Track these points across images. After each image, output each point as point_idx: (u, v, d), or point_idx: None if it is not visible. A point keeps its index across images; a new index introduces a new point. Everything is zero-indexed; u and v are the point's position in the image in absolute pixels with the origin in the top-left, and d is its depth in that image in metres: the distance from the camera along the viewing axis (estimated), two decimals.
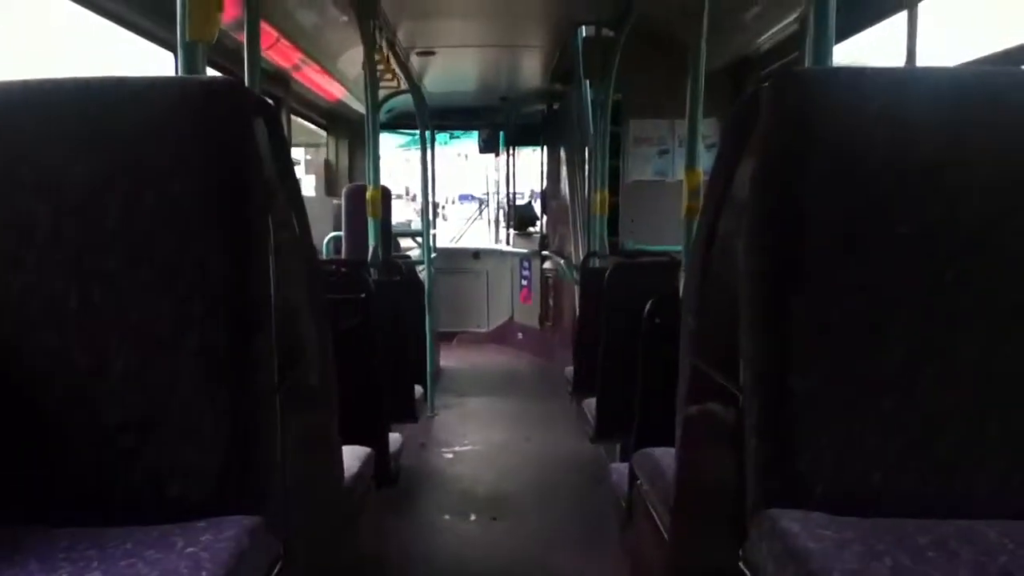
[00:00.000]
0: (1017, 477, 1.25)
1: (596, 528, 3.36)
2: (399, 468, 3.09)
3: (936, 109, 1.27)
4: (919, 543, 1.10)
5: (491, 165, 9.62)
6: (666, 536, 1.71)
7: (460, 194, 15.79)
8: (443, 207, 13.37)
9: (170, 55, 3.33)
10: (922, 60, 2.64)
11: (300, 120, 6.32)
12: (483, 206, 10.83)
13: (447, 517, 3.60)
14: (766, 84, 1.32)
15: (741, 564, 1.23)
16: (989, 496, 1.25)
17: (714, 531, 1.46)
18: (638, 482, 2.07)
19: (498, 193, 9.22)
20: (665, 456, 1.89)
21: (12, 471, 1.26)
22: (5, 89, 1.30)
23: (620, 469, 2.68)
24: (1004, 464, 1.25)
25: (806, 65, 1.67)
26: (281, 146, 1.45)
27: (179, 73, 1.57)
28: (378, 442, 2.45)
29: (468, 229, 10.39)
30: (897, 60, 2.68)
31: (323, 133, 7.22)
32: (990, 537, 1.12)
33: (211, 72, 2.07)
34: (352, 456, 1.97)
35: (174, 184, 1.27)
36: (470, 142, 9.75)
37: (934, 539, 1.11)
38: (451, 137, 10.12)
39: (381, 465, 2.34)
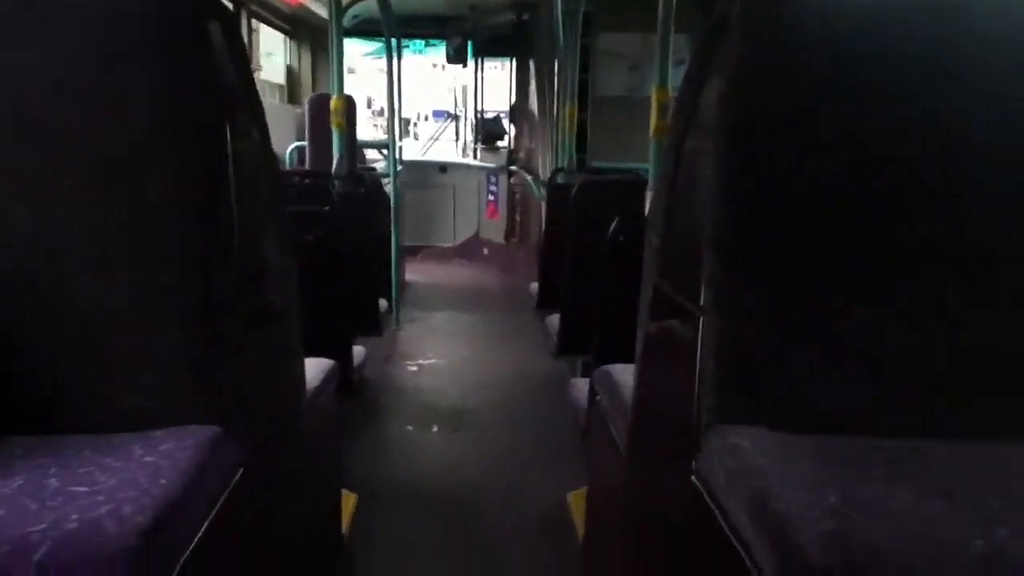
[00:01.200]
0: (959, 401, 1.29)
1: (556, 441, 3.43)
2: (363, 380, 3.11)
3: (909, 35, 1.25)
4: (867, 461, 1.13)
5: (462, 76, 9.40)
6: (622, 451, 1.75)
7: (435, 110, 14.81)
8: (415, 124, 12.69)
9: None
10: None
11: None
12: (454, 121, 10.50)
13: (409, 428, 3.65)
14: (737, 3, 1.30)
15: (693, 478, 1.27)
16: (934, 420, 1.29)
17: (669, 446, 1.49)
18: (597, 398, 2.10)
19: (466, 106, 9.07)
20: (624, 373, 1.92)
21: None
22: None
23: (580, 384, 2.72)
24: (951, 387, 1.29)
25: None
26: (240, 52, 1.39)
27: None
28: (342, 354, 2.46)
29: (433, 145, 10.07)
30: None
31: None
32: (933, 457, 1.16)
33: None
34: (315, 368, 1.97)
35: (127, 93, 1.22)
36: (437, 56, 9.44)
37: (880, 458, 1.15)
38: (426, 45, 9.53)
39: (344, 377, 2.36)
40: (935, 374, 1.28)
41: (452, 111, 11.09)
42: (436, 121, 14.29)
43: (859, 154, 1.25)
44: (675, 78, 2.52)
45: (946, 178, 1.27)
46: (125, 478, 1.04)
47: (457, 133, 10.11)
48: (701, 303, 1.29)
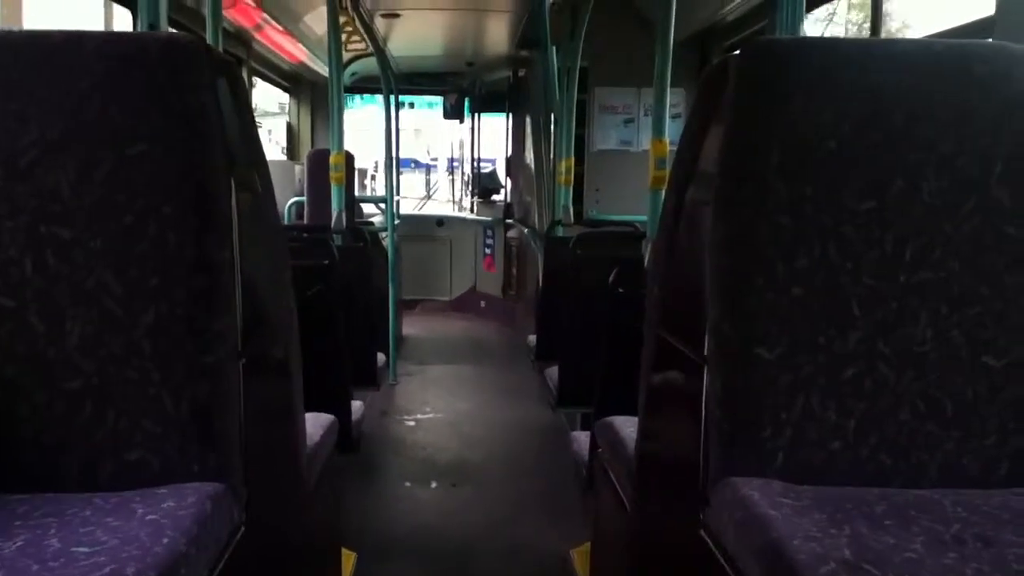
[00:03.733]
0: (969, 449, 1.28)
1: (557, 496, 3.39)
2: (361, 435, 3.08)
3: (904, 82, 1.27)
4: (876, 511, 1.12)
5: (444, 132, 9.47)
6: (627, 504, 1.73)
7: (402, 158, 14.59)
8: (372, 175, 12.20)
9: (127, 12, 3.23)
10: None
11: None
12: (427, 172, 10.58)
13: (408, 484, 3.61)
14: (735, 53, 1.32)
15: (702, 532, 1.25)
16: (942, 468, 1.28)
17: (675, 499, 1.47)
18: (599, 451, 2.08)
19: (462, 161, 9.13)
20: (626, 425, 1.90)
21: None
22: None
23: (581, 437, 2.70)
24: (957, 436, 1.28)
25: (776, 35, 1.66)
26: (244, 107, 1.41)
27: (139, 29, 1.52)
28: (340, 409, 2.44)
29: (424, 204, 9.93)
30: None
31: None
32: (944, 506, 1.14)
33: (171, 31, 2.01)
34: (314, 423, 1.96)
35: (131, 146, 1.23)
36: (424, 118, 9.52)
37: (891, 508, 1.13)
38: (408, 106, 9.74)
39: (343, 432, 2.33)
40: (945, 421, 1.27)
41: (426, 162, 11.07)
42: (403, 171, 14.41)
43: (860, 199, 1.26)
44: (671, 131, 2.56)
45: (950, 222, 1.27)
46: (127, 536, 1.03)
47: (428, 187, 10.25)
48: (705, 353, 1.29)
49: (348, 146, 3.96)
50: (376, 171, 12.15)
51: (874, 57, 1.28)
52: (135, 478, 1.22)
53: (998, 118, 1.28)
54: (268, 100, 7.25)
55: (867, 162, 1.26)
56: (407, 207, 8.50)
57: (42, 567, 0.96)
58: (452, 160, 10.39)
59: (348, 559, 2.69)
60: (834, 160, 1.26)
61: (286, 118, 7.35)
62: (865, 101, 1.26)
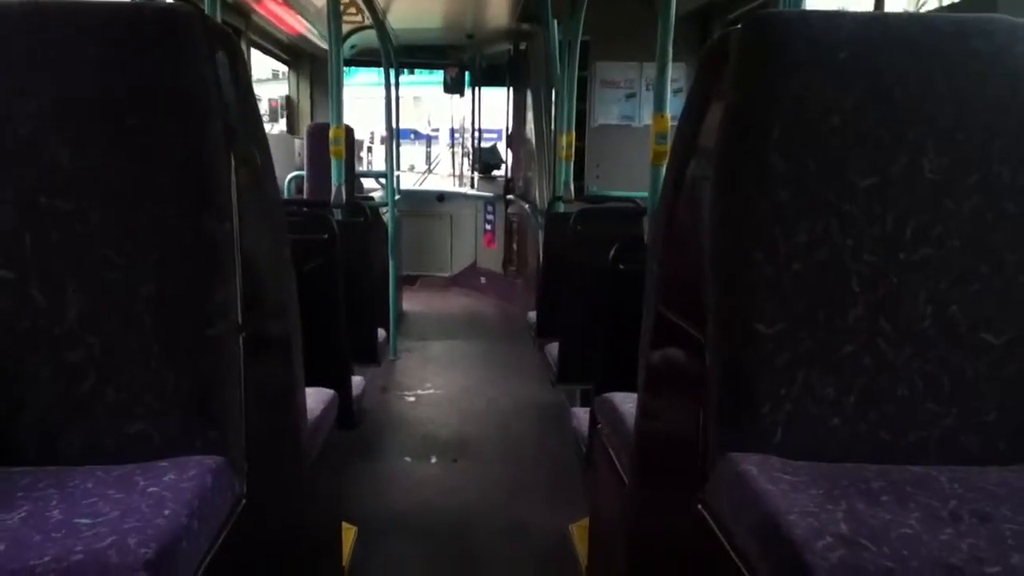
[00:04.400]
0: (968, 426, 1.28)
1: (557, 472, 3.41)
2: (362, 411, 3.09)
3: (906, 56, 1.26)
4: (874, 487, 1.12)
5: (446, 100, 9.25)
6: (626, 480, 1.74)
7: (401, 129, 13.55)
8: (368, 147, 11.49)
9: None
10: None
11: None
12: (431, 145, 10.28)
13: (408, 460, 3.63)
14: (736, 27, 1.30)
15: (700, 507, 1.25)
16: (941, 444, 1.28)
17: (673, 475, 1.48)
18: (599, 426, 2.09)
19: (463, 135, 9.06)
20: (626, 401, 1.91)
21: None
22: None
23: (581, 414, 2.70)
24: (956, 413, 1.28)
25: (778, 8, 1.65)
26: (243, 80, 1.40)
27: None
28: (341, 385, 2.45)
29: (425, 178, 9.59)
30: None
31: None
32: (941, 482, 1.15)
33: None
34: (315, 398, 1.96)
35: (129, 118, 1.22)
36: (424, 85, 9.24)
37: (888, 484, 1.14)
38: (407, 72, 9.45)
39: (344, 408, 2.34)
40: (943, 398, 1.28)
41: (426, 131, 10.63)
42: (402, 142, 13.26)
43: (861, 175, 1.26)
44: (672, 106, 2.54)
45: (951, 199, 1.27)
46: (129, 509, 1.03)
47: (429, 161, 9.83)
48: (704, 328, 1.29)
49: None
50: (373, 143, 11.65)
51: (875, 32, 1.27)
52: (136, 451, 1.22)
53: (999, 94, 1.27)
54: (261, 67, 7.18)
55: (869, 138, 1.26)
56: (407, 182, 8.45)
57: (44, 537, 0.96)
58: (454, 131, 10.04)
59: (349, 533, 2.71)
60: (835, 135, 1.25)
61: (279, 84, 7.29)
62: (866, 76, 1.25)
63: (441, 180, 9.35)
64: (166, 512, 1.03)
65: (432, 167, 9.95)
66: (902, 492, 1.11)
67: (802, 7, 1.57)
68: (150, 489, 1.09)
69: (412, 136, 11.86)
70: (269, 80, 7.77)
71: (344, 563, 2.48)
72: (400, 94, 7.42)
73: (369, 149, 11.55)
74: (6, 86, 1.22)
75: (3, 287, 1.23)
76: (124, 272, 1.23)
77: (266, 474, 1.43)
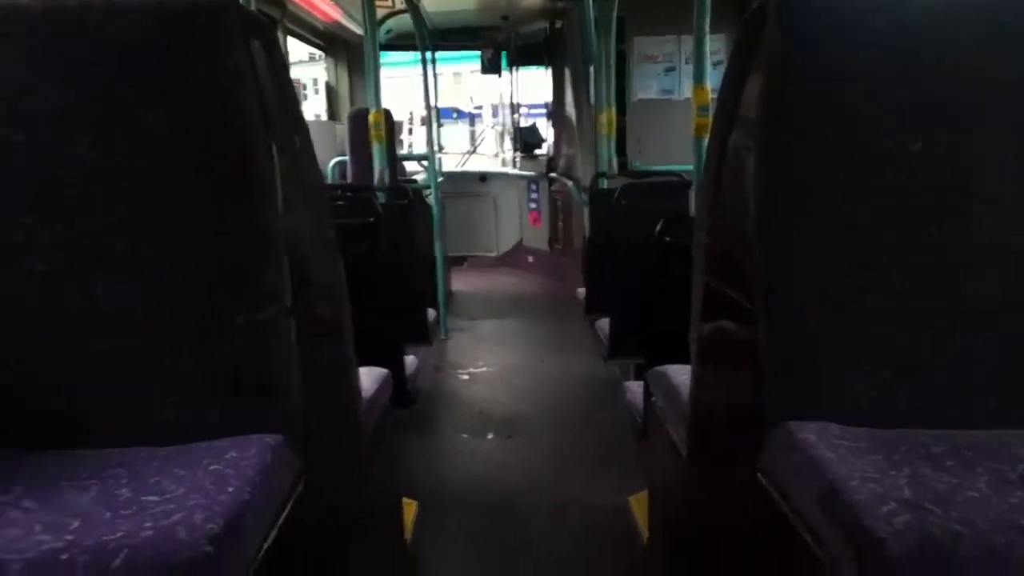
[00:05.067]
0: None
1: (612, 446, 3.42)
2: (416, 390, 3.13)
3: (943, 24, 1.24)
4: (935, 452, 1.11)
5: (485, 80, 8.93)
6: (683, 452, 1.74)
7: (443, 108, 11.42)
8: (409, 129, 10.98)
9: None
10: None
11: None
12: (471, 124, 9.64)
13: (464, 436, 3.67)
14: None
15: (759, 476, 1.25)
16: (1000, 409, 1.26)
17: (731, 445, 1.48)
18: (653, 399, 2.09)
19: (502, 115, 8.98)
20: (680, 373, 1.91)
21: (27, 397, 1.27)
22: None
23: (634, 387, 2.71)
24: (1014, 380, 1.26)
25: None
26: (280, 68, 1.41)
27: None
28: (394, 364, 2.48)
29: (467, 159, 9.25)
30: None
31: None
32: (1008, 446, 1.13)
33: None
34: (369, 378, 1.99)
35: (164, 108, 1.23)
36: (464, 62, 8.94)
37: (950, 448, 1.12)
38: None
39: (398, 386, 2.37)
40: (1004, 367, 1.26)
41: (468, 109, 10.02)
42: (440, 121, 11.52)
43: (901, 143, 1.24)
44: (712, 79, 2.52)
45: (990, 169, 1.24)
46: (194, 486, 1.06)
47: (473, 141, 9.47)
48: (754, 299, 1.28)
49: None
50: (413, 124, 11.16)
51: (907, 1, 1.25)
52: (198, 432, 1.25)
53: None
54: (298, 48, 7.18)
55: (908, 107, 1.23)
56: (450, 164, 8.45)
57: (115, 515, 1.00)
58: (497, 108, 9.59)
59: (410, 508, 2.75)
60: (876, 103, 1.23)
61: (317, 66, 7.30)
62: (904, 44, 1.23)
63: (487, 160, 9.25)
64: (230, 489, 1.06)
65: (476, 146, 9.69)
66: (965, 457, 1.10)
67: None
68: (212, 467, 1.12)
69: (455, 115, 11.06)
70: (307, 62, 7.75)
71: (406, 536, 2.53)
72: (439, 71, 7.40)
73: (410, 131, 11.09)
74: (39, 80, 1.23)
75: (34, 278, 1.25)
76: (174, 263, 1.25)
77: (324, 451, 1.46)
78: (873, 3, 1.23)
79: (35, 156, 1.24)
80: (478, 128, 9.83)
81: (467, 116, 10.76)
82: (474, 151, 9.39)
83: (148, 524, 0.97)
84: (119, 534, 0.95)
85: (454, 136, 10.42)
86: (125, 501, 1.04)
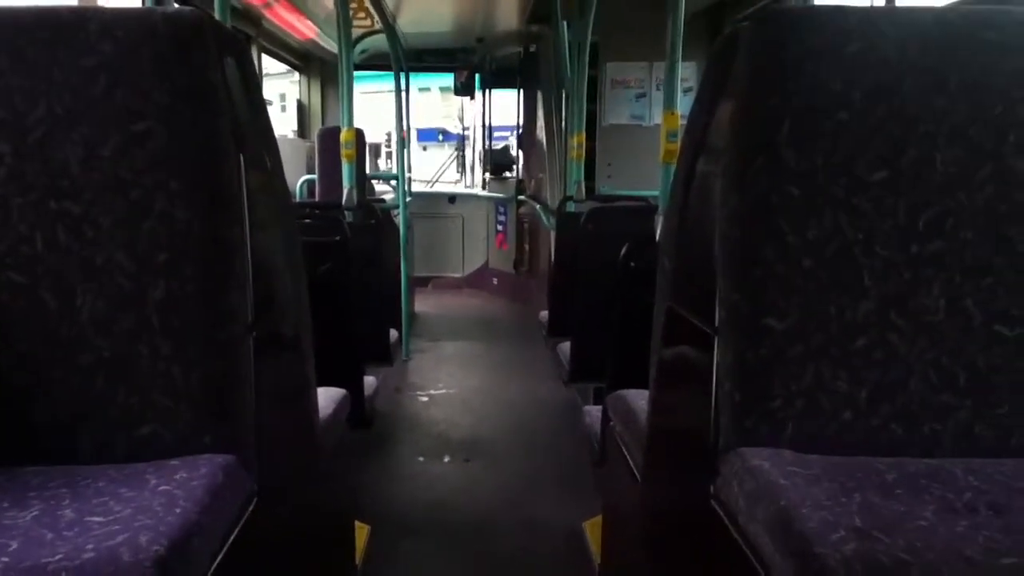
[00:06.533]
0: (982, 419, 1.27)
1: (570, 471, 3.41)
2: (374, 411, 3.10)
3: (916, 49, 1.26)
4: (887, 480, 1.12)
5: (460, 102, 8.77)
6: (638, 476, 1.74)
7: (419, 129, 10.40)
8: (388, 150, 10.37)
9: None
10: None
11: None
12: (459, 148, 9.16)
13: (421, 459, 3.63)
14: (745, 23, 1.30)
15: (712, 502, 1.25)
16: (955, 437, 1.27)
17: (686, 470, 1.48)
18: (611, 424, 2.09)
19: (472, 138, 8.96)
20: (638, 398, 1.91)
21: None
22: None
23: (593, 411, 2.70)
24: (970, 405, 1.27)
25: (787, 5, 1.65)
26: (252, 85, 1.41)
27: (146, 5, 1.52)
28: (353, 385, 2.45)
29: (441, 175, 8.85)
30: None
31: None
32: (956, 475, 1.14)
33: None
34: (327, 398, 1.97)
35: (139, 122, 1.23)
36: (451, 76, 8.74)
37: (901, 476, 1.13)
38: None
39: (356, 407, 2.35)
40: (957, 391, 1.27)
41: (455, 130, 9.23)
42: (421, 144, 11.02)
43: (872, 169, 1.25)
44: (683, 105, 2.54)
45: (964, 192, 1.26)
46: (140, 507, 1.04)
47: (463, 166, 9.09)
48: (715, 324, 1.29)
49: (356, 115, 3.94)
50: (390, 146, 10.46)
51: (884, 25, 1.27)
52: (148, 451, 1.23)
53: (1010, 86, 1.26)
54: (272, 61, 7.13)
55: (879, 131, 1.25)
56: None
57: (56, 536, 0.97)
58: (495, 130, 8.89)
59: (362, 532, 2.71)
60: (846, 129, 1.25)
61: (284, 79, 7.25)
62: (875, 70, 1.25)
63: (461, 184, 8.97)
64: (177, 510, 1.04)
65: (437, 176, 9.11)
66: (916, 485, 1.11)
67: (811, 2, 1.57)
68: (161, 487, 1.10)
69: (440, 137, 10.17)
70: (283, 75, 7.67)
71: (357, 562, 2.49)
72: (426, 86, 7.36)
73: (388, 155, 10.46)
74: (18, 91, 1.23)
75: (14, 290, 1.24)
76: (134, 275, 1.24)
77: (278, 472, 1.44)
78: (843, 30, 1.25)
79: (19, 167, 1.22)
80: (469, 154, 9.09)
81: (454, 138, 9.95)
82: (436, 180, 9.05)
83: (90, 546, 0.95)
84: (58, 556, 0.92)
85: (439, 160, 9.56)
86: (68, 522, 1.01)
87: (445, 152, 10.18)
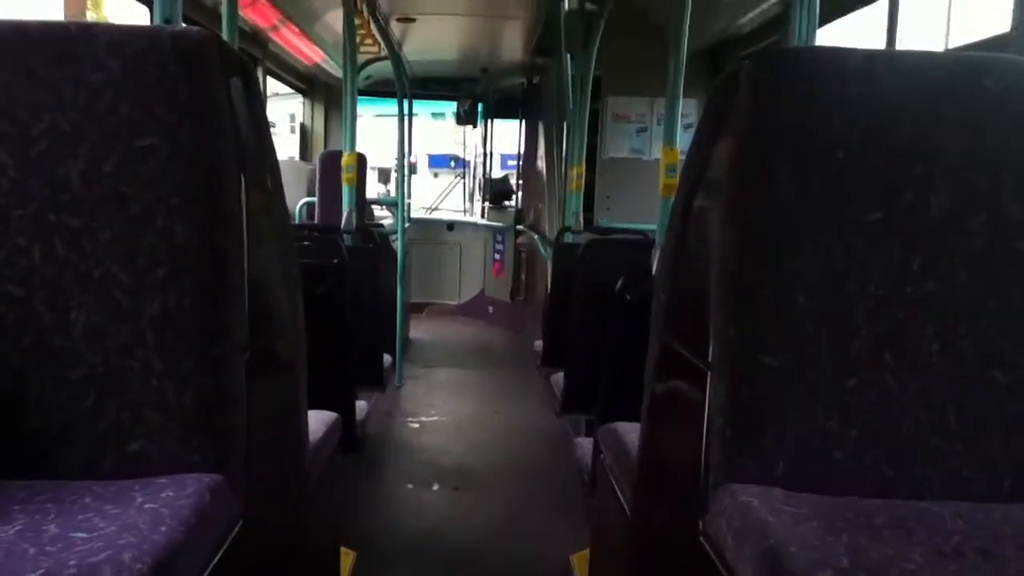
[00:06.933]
0: (974, 462, 1.27)
1: (560, 502, 3.39)
2: (365, 435, 3.09)
3: (915, 93, 1.27)
4: (876, 522, 1.11)
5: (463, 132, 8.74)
6: (628, 510, 1.73)
7: (431, 155, 10.57)
8: (396, 173, 9.68)
9: (145, 9, 3.26)
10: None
11: None
12: (461, 175, 9.08)
13: (410, 486, 3.61)
14: (747, 62, 1.32)
15: (701, 538, 1.24)
16: (945, 480, 1.27)
17: (675, 505, 1.47)
18: (601, 456, 2.08)
19: (474, 165, 8.99)
20: (629, 431, 1.90)
21: None
22: None
23: (584, 443, 2.69)
24: (962, 449, 1.27)
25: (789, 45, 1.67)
26: (257, 106, 1.42)
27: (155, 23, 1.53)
28: (345, 408, 2.45)
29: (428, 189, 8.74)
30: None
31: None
32: (945, 518, 1.14)
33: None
34: (318, 421, 1.96)
35: (142, 138, 1.24)
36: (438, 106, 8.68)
37: (891, 518, 1.13)
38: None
39: (347, 431, 2.34)
40: (949, 434, 1.27)
41: (461, 156, 9.20)
42: (434, 170, 11.03)
43: (868, 210, 1.26)
44: (682, 140, 2.56)
45: (959, 235, 1.27)
46: (125, 524, 1.03)
47: (466, 194, 9.12)
48: (709, 359, 1.29)
49: (367, 140, 3.97)
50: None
51: (884, 68, 1.28)
52: (136, 468, 1.22)
53: (1009, 132, 1.28)
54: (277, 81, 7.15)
55: (875, 172, 1.26)
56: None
57: (39, 551, 0.96)
58: (506, 157, 8.91)
59: (347, 558, 2.69)
60: (843, 169, 1.26)
61: (294, 100, 7.29)
62: (874, 111, 1.26)
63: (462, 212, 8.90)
64: (163, 528, 1.03)
65: (445, 193, 9.14)
66: (905, 527, 1.11)
67: (813, 44, 1.59)
68: (147, 505, 1.09)
69: (451, 163, 9.91)
70: (289, 95, 7.70)
71: None
72: (438, 111, 7.36)
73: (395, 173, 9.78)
74: (23, 104, 1.24)
75: (10, 301, 1.24)
76: (130, 290, 1.24)
77: (265, 494, 1.43)
78: (843, 71, 1.27)
79: (20, 179, 1.23)
80: (469, 181, 8.92)
81: (464, 164, 9.74)
82: (436, 207, 9.06)
83: (72, 562, 0.94)
84: (40, 571, 0.92)
85: (448, 188, 9.39)
86: (51, 537, 1.00)
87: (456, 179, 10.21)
